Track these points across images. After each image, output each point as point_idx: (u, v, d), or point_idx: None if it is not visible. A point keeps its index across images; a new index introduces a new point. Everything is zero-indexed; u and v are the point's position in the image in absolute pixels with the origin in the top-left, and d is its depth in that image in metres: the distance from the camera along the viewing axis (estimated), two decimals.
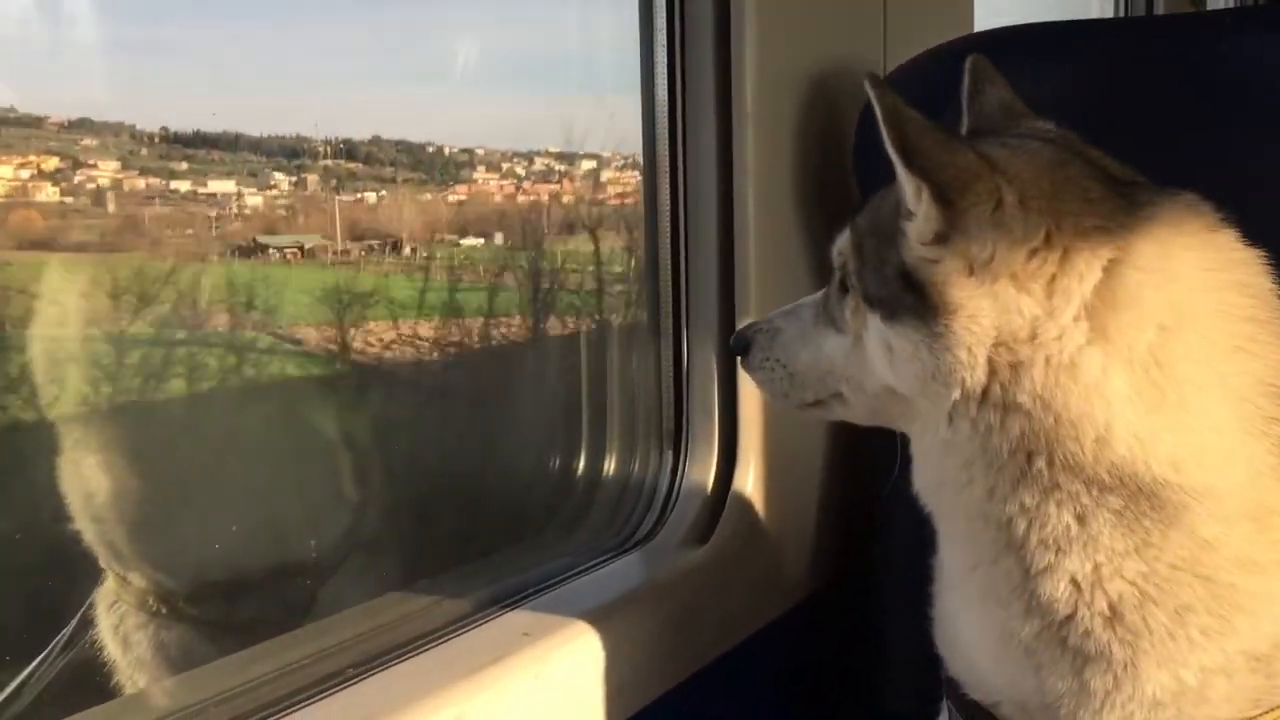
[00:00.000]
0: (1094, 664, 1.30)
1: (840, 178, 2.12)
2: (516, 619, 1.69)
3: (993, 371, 1.28)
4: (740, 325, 2.08)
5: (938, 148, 1.29)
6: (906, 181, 1.29)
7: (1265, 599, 1.27)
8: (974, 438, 1.30)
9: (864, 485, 2.16)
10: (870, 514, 2.14)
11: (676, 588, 1.95)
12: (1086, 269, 1.26)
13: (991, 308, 1.27)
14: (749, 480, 2.10)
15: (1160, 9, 5.21)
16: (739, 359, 1.69)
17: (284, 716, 1.38)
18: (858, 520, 2.19)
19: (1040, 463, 1.27)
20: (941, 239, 1.28)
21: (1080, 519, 1.27)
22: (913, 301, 1.31)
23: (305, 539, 1.93)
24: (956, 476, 1.34)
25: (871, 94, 1.29)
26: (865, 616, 2.14)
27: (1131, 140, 1.74)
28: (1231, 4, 6.27)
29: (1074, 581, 1.29)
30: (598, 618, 1.72)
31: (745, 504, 2.10)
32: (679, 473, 2.13)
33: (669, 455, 2.14)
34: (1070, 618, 1.30)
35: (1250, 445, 1.27)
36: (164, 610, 1.81)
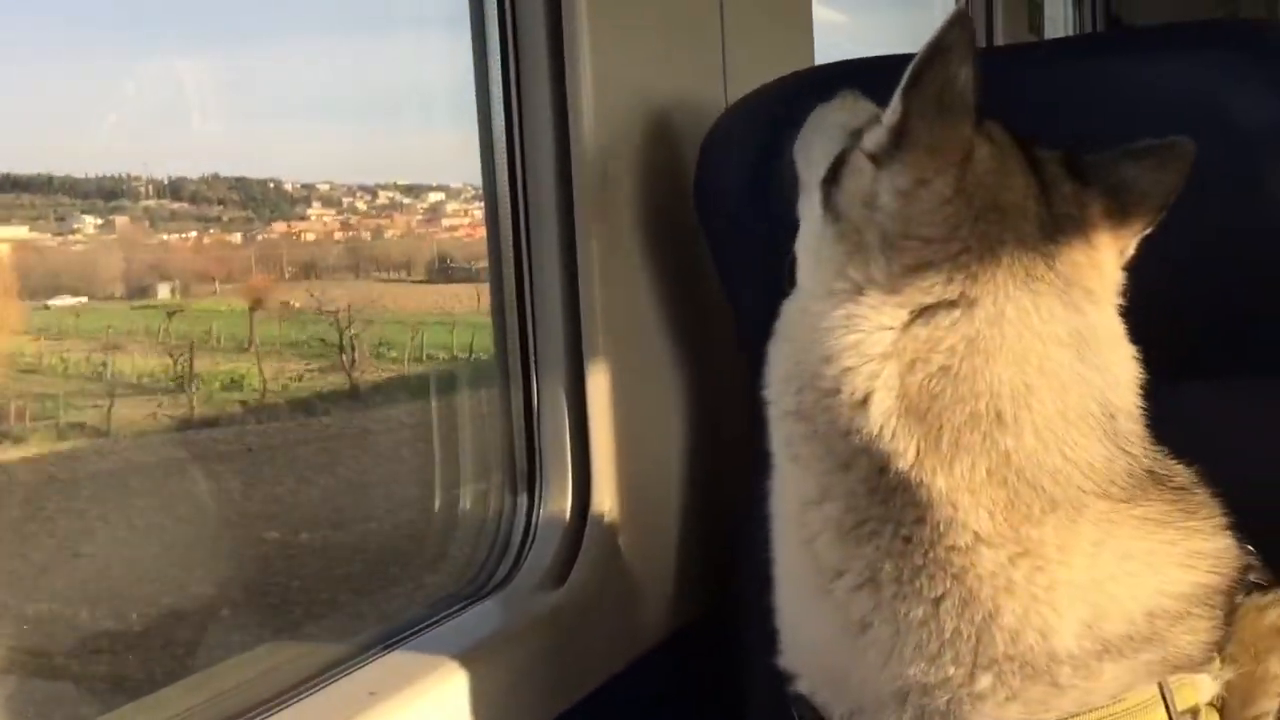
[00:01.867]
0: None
1: (682, 213, 2.11)
2: (362, 678, 1.62)
3: None
4: (589, 366, 2.06)
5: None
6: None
7: (1060, 612, 1.30)
8: None
9: (721, 519, 2.15)
10: (730, 547, 2.13)
11: (535, 632, 1.90)
12: None
13: None
14: (605, 518, 2.06)
15: (1000, 39, 5.40)
16: None
17: None
18: (717, 554, 2.18)
19: None
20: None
21: None
22: None
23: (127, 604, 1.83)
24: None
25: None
26: (728, 650, 2.13)
27: None
28: (1068, 32, 6.57)
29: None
30: (452, 671, 1.67)
31: (602, 542, 2.06)
32: (534, 514, 2.08)
33: (523, 497, 2.10)
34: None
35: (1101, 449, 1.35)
36: None
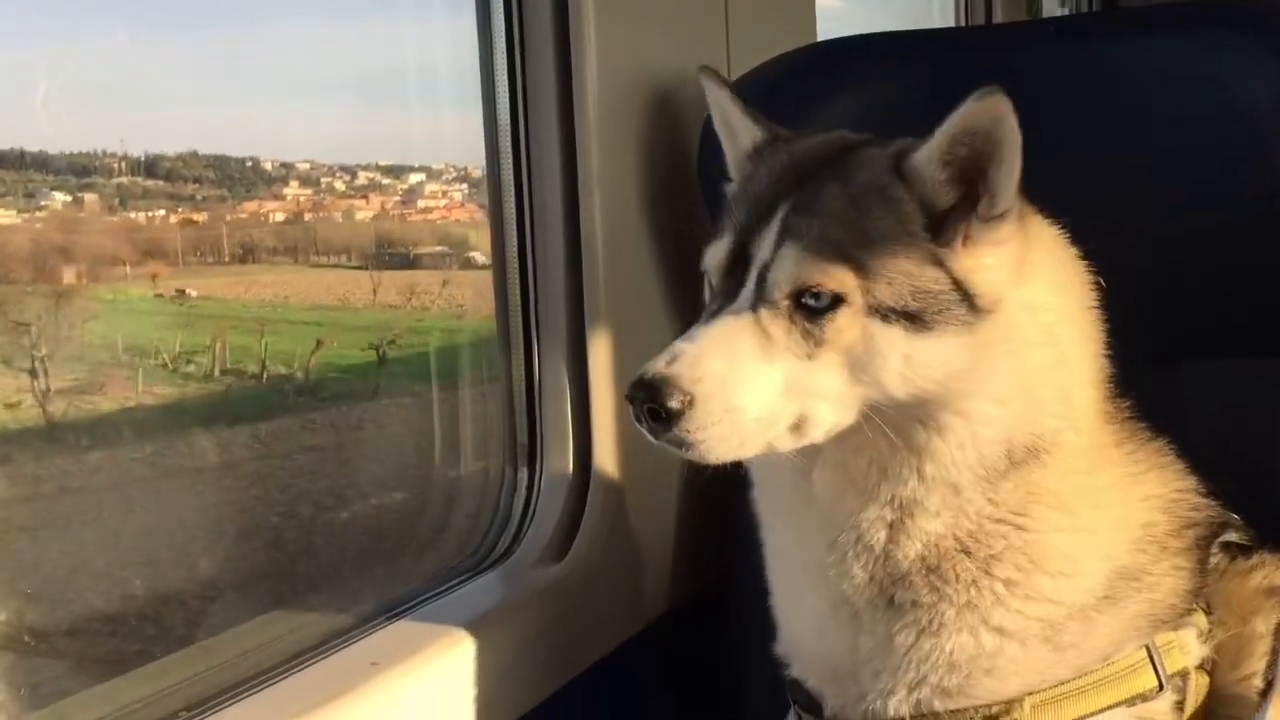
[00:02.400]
0: (904, 617, 1.38)
1: (684, 185, 2.11)
2: (364, 648, 1.63)
3: None
4: (591, 338, 2.05)
5: None
6: (1010, 191, 1.33)
7: (1074, 558, 1.36)
8: (961, 436, 1.34)
9: (721, 496, 2.15)
10: (729, 524, 2.14)
11: (535, 606, 1.91)
12: (1037, 253, 1.40)
13: (1013, 302, 1.35)
14: (605, 496, 2.07)
15: (999, 17, 5.38)
16: (665, 424, 1.31)
17: None
18: (716, 531, 2.19)
19: (998, 449, 1.35)
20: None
21: (970, 487, 1.36)
22: (962, 310, 1.32)
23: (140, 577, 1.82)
24: (894, 472, 1.37)
25: (1007, 120, 1.29)
26: (726, 627, 2.14)
27: None
28: (1066, 10, 6.53)
29: (924, 543, 1.36)
30: (453, 642, 1.68)
31: (602, 518, 2.07)
32: (534, 490, 2.09)
33: (524, 472, 2.10)
34: (905, 575, 1.37)
35: (1096, 396, 1.41)
36: None
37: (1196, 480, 1.47)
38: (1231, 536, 1.47)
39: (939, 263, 1.33)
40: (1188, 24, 1.93)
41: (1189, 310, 1.82)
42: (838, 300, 1.31)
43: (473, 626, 1.72)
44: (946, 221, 1.34)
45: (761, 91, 2.11)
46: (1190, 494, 1.45)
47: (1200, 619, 1.42)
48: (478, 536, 2.06)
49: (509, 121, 2.06)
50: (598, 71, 2.02)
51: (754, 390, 1.31)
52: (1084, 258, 1.46)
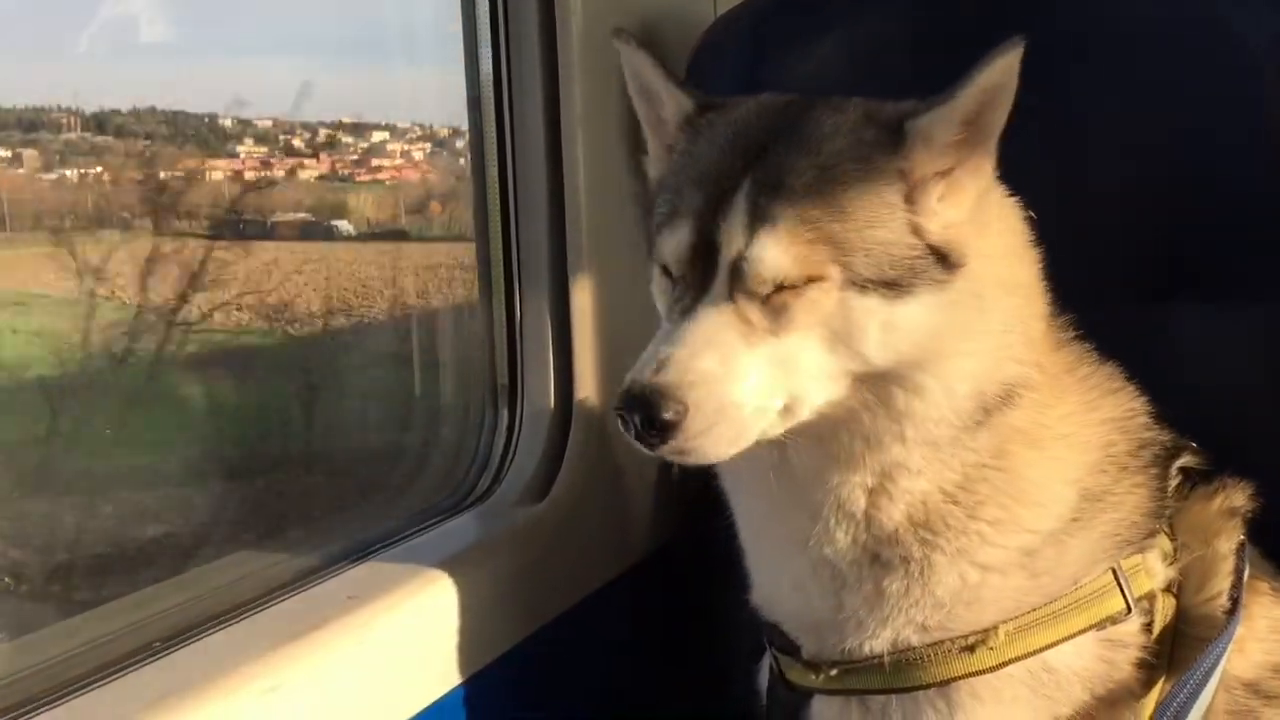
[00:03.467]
0: (894, 572, 1.38)
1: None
2: (341, 583, 1.62)
3: None
4: (573, 279, 2.03)
5: None
6: (993, 144, 1.32)
7: (1045, 486, 1.38)
8: (940, 392, 1.33)
9: None
10: (711, 469, 2.13)
11: (513, 546, 1.90)
12: (990, 202, 1.38)
13: (975, 255, 1.33)
14: (586, 437, 2.06)
15: None
16: (662, 436, 1.26)
17: (80, 695, 1.28)
18: (700, 473, 2.17)
19: (973, 402, 1.35)
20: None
21: (950, 442, 1.36)
22: (938, 272, 1.31)
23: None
24: (878, 437, 1.35)
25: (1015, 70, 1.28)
26: (708, 569, 2.13)
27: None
28: None
29: (909, 503, 1.37)
30: (429, 579, 1.67)
31: (583, 462, 2.06)
32: (514, 430, 2.08)
33: (504, 413, 2.09)
34: (893, 534, 1.38)
35: (1044, 328, 1.42)
36: None
37: (1154, 409, 1.48)
38: (1188, 460, 1.48)
39: (916, 229, 1.31)
40: None
41: (1178, 250, 1.81)
42: (812, 278, 1.28)
43: (451, 563, 1.71)
44: (926, 182, 1.32)
45: (746, 28, 2.09)
46: (1143, 414, 1.47)
47: (1164, 542, 1.44)
48: (457, 476, 2.05)
49: (491, 54, 2.03)
50: (582, 7, 1.99)
51: (745, 383, 1.27)
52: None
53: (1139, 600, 1.39)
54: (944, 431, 1.35)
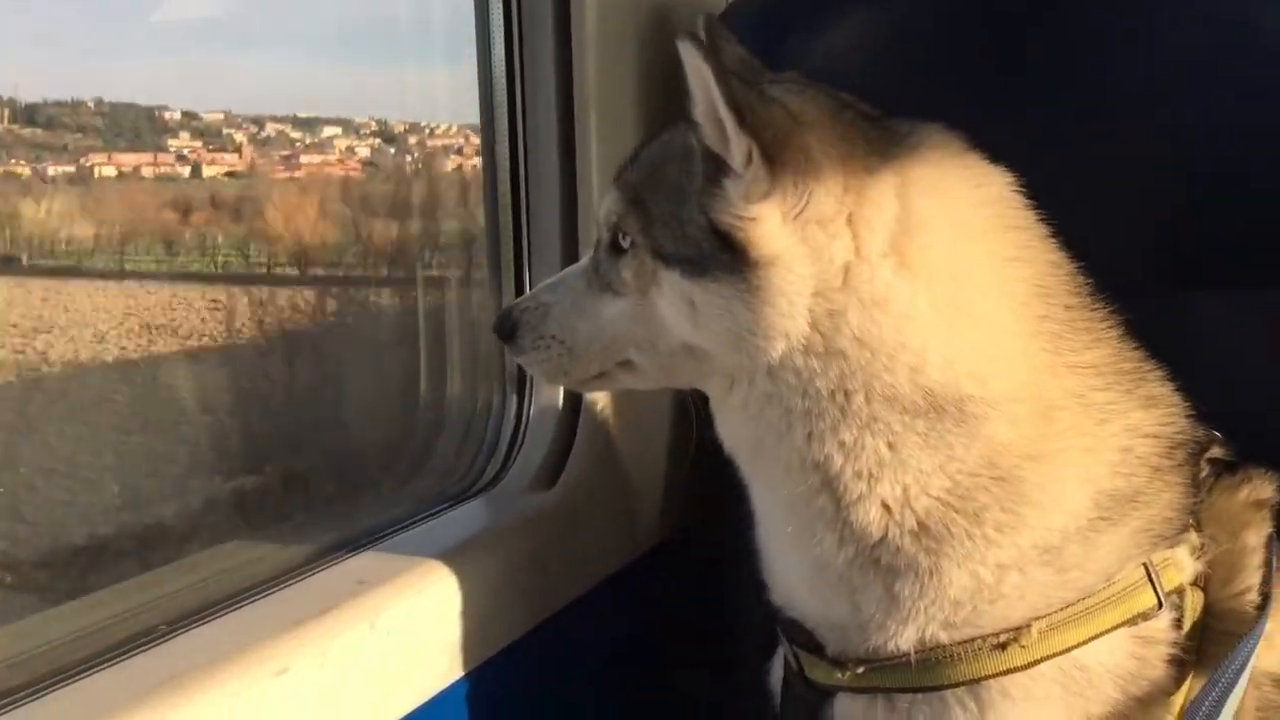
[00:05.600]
0: (903, 577, 1.36)
1: (683, 112, 2.06)
2: (351, 567, 1.60)
3: (812, 321, 1.31)
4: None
5: (760, 106, 1.31)
6: (737, 142, 1.29)
7: (1048, 489, 1.35)
8: (796, 387, 1.33)
9: (714, 428, 2.13)
10: (721, 455, 2.11)
11: (522, 533, 1.88)
12: (883, 202, 1.33)
13: (807, 257, 1.30)
14: (595, 424, 2.04)
15: None
16: (505, 346, 1.57)
17: (88, 676, 1.26)
18: (708, 463, 2.16)
19: (859, 400, 1.32)
20: (764, 195, 1.30)
21: (891, 446, 1.33)
22: (727, 258, 1.32)
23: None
24: (775, 427, 1.37)
25: (698, 56, 1.27)
26: (718, 562, 2.12)
27: (959, 69, 1.74)
28: None
29: (885, 505, 1.35)
30: (437, 565, 1.65)
31: (592, 449, 2.04)
32: (523, 417, 2.06)
33: (512, 399, 2.07)
34: (882, 539, 1.36)
35: (1030, 346, 1.37)
36: None
37: (1185, 403, 1.45)
38: (1216, 453, 1.46)
39: (704, 211, 1.34)
40: None
41: (1199, 240, 1.79)
42: (634, 243, 1.41)
43: (458, 551, 1.69)
44: (719, 174, 1.33)
45: (759, 12, 2.07)
46: (1178, 418, 1.44)
47: (1192, 536, 1.41)
48: (464, 463, 2.03)
49: (503, 46, 2.02)
50: None
51: (569, 321, 1.49)
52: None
53: (1169, 595, 1.36)
54: (848, 432, 1.33)
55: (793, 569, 1.48)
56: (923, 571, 1.35)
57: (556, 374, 1.54)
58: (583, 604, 1.96)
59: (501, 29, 2.00)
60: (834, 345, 1.31)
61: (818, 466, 1.36)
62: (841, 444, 1.34)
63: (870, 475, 1.35)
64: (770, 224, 1.31)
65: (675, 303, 1.37)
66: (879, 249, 1.31)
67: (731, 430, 1.45)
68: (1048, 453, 1.35)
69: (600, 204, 1.49)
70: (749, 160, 1.30)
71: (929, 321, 1.31)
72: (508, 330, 1.53)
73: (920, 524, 1.35)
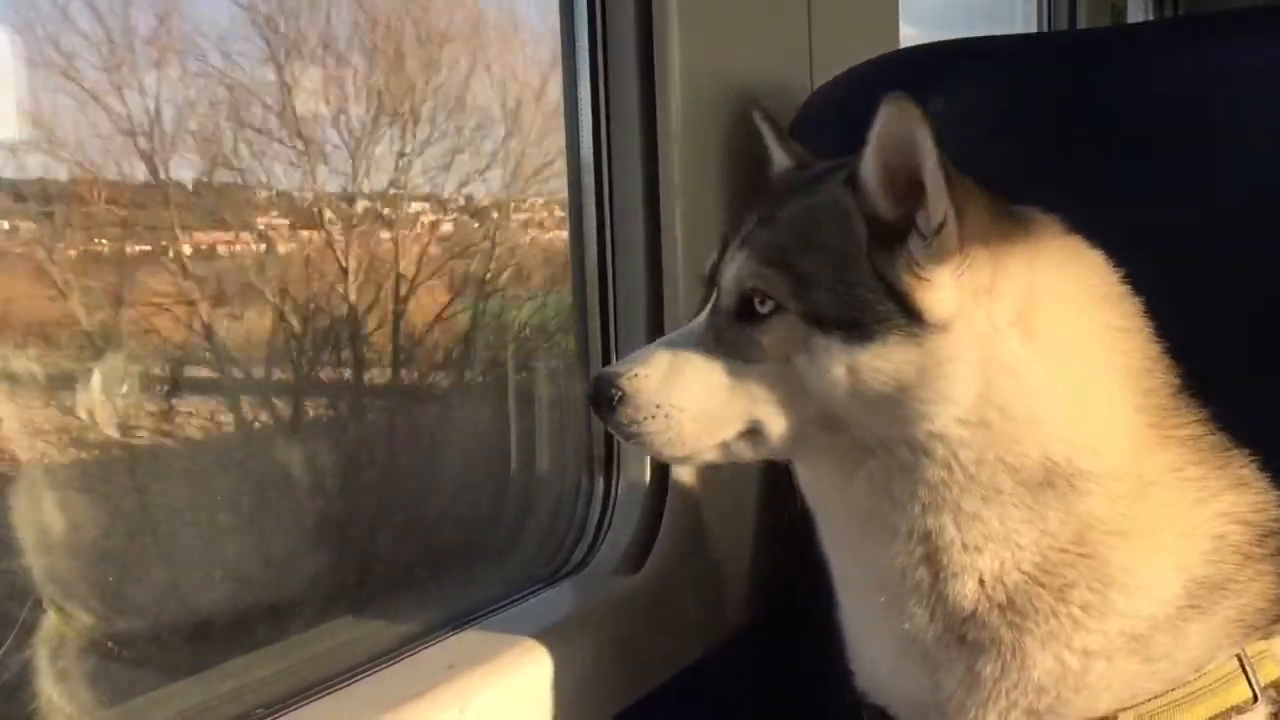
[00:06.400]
0: (985, 654, 1.34)
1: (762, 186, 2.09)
2: (440, 651, 1.62)
3: (974, 389, 1.30)
4: None
5: (953, 172, 1.31)
6: (938, 204, 1.29)
7: (1136, 571, 1.33)
8: (941, 458, 1.31)
9: (801, 509, 2.11)
10: (807, 538, 2.09)
11: (609, 617, 1.88)
12: (1017, 273, 1.33)
13: (976, 322, 1.30)
14: (682, 507, 2.04)
15: (1082, 23, 5.29)
16: (604, 416, 1.44)
17: None
18: (796, 547, 2.14)
19: (988, 470, 1.31)
20: (943, 260, 1.31)
21: (1001, 519, 1.32)
22: (902, 322, 1.30)
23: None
24: (897, 498, 1.35)
25: (917, 117, 1.27)
26: (805, 644, 2.09)
27: (1048, 156, 1.74)
28: (1149, 16, 6.40)
29: (980, 580, 1.34)
30: (526, 649, 1.66)
31: (679, 531, 2.04)
32: (610, 500, 2.07)
33: (600, 482, 2.08)
34: (971, 614, 1.35)
35: (1136, 420, 1.36)
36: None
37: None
38: None
39: (878, 274, 1.31)
40: None
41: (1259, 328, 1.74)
42: (779, 307, 1.35)
43: (547, 634, 1.70)
44: (898, 236, 1.32)
45: (842, 99, 2.09)
46: (1270, 504, 1.41)
47: None
48: (552, 546, 2.05)
49: (591, 134, 2.06)
50: (681, 79, 2.01)
51: (691, 390, 1.39)
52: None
53: (1266, 688, 1.32)
54: (970, 501, 1.32)
55: (877, 646, 1.47)
56: (1005, 648, 1.33)
57: (668, 446, 1.41)
58: (670, 688, 1.95)
59: (589, 119, 2.04)
60: (983, 415, 1.30)
61: (926, 538, 1.34)
62: (957, 516, 1.33)
63: (976, 548, 1.33)
64: (945, 289, 1.30)
65: (829, 368, 1.32)
66: (1007, 318, 1.31)
67: (843, 501, 1.41)
68: (1137, 531, 1.33)
69: (725, 269, 1.42)
70: (942, 224, 1.30)
71: (1054, 392, 1.31)
72: (610, 400, 1.41)
73: (1008, 598, 1.33)
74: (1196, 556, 1.35)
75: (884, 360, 1.30)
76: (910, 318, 1.30)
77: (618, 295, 2.07)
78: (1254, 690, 1.32)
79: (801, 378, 1.34)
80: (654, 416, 1.39)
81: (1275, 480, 1.42)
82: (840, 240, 1.35)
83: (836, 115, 2.08)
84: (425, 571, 1.94)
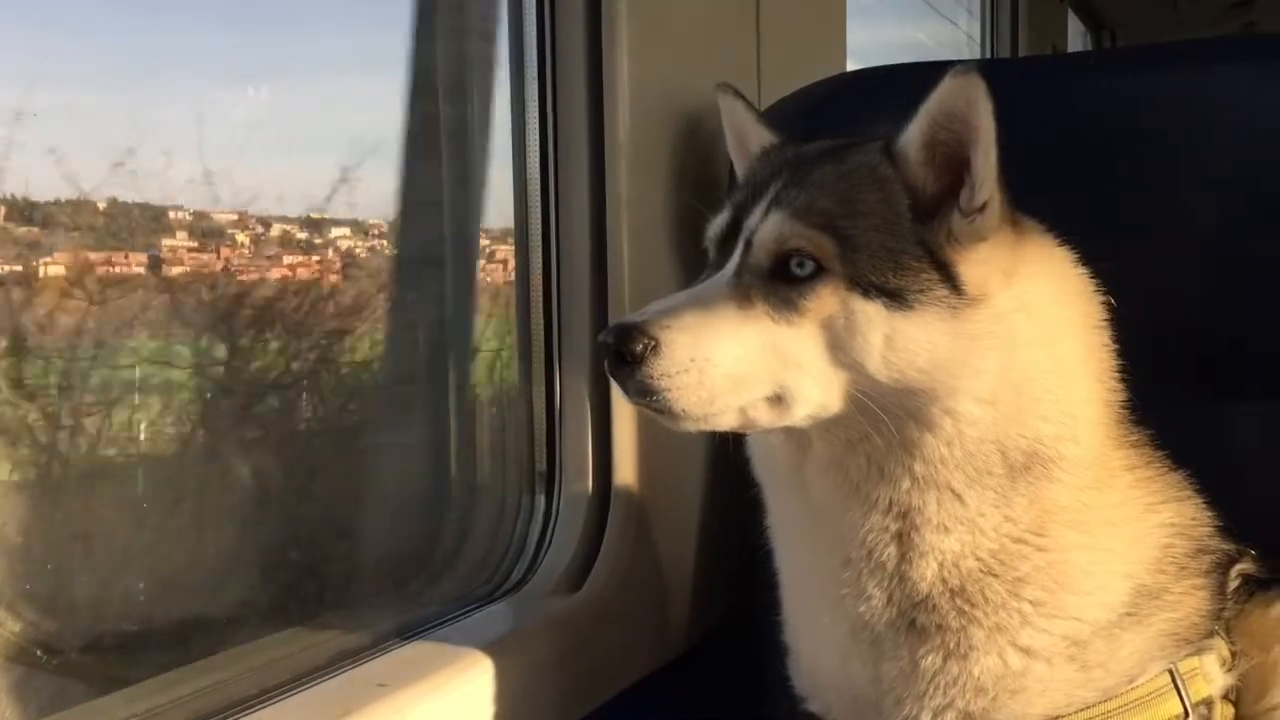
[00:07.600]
0: (930, 641, 1.35)
1: (712, 211, 2.09)
2: (372, 669, 1.58)
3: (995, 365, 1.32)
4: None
5: None
6: (988, 183, 1.32)
7: (1093, 574, 1.35)
8: (950, 434, 1.32)
9: (745, 528, 2.10)
10: (752, 554, 2.08)
11: (548, 636, 1.85)
12: (1032, 258, 1.39)
13: (1001, 302, 1.32)
14: (624, 523, 2.02)
15: (1024, 51, 5.40)
16: (630, 369, 1.29)
17: None
18: (740, 565, 2.13)
19: (988, 448, 1.32)
20: (984, 238, 1.34)
21: (979, 500, 1.33)
22: (942, 294, 1.31)
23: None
24: (890, 472, 1.34)
25: (982, 99, 1.29)
26: (751, 662, 2.07)
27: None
28: (1089, 48, 6.57)
29: (940, 562, 1.34)
30: (462, 668, 1.63)
31: (621, 550, 2.02)
32: (551, 518, 2.04)
33: (541, 499, 2.06)
34: (925, 598, 1.35)
35: (1105, 414, 1.39)
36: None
37: (1211, 513, 1.45)
38: (1247, 567, 1.46)
39: (922, 242, 1.33)
40: (1245, 56, 1.90)
41: (1243, 349, 1.77)
42: (820, 270, 1.32)
43: (484, 653, 1.67)
44: (932, 209, 1.35)
45: (791, 118, 2.09)
46: (1206, 524, 1.44)
47: (1222, 647, 1.40)
48: (492, 564, 2.01)
49: (538, 146, 2.05)
50: (629, 101, 2.01)
51: (726, 345, 1.31)
52: (1109, 280, 1.45)
53: (1196, 705, 1.34)
54: (958, 478, 1.32)
55: (824, 637, 1.46)
56: (950, 636, 1.34)
57: (696, 405, 1.30)
58: (612, 707, 1.92)
59: (537, 133, 2.03)
60: (997, 393, 1.31)
61: (905, 514, 1.34)
62: (941, 494, 1.33)
63: (945, 528, 1.34)
64: (981, 266, 1.33)
65: (868, 335, 1.30)
66: (1017, 303, 1.34)
67: (830, 474, 1.37)
68: (1095, 524, 1.35)
69: (761, 228, 1.37)
70: (986, 203, 1.33)
71: (1050, 376, 1.34)
72: (637, 352, 1.28)
73: (960, 585, 1.34)
74: (1142, 565, 1.37)
75: (922, 330, 1.30)
76: (950, 289, 1.31)
77: (561, 310, 2.05)
78: (1185, 706, 1.33)
79: (837, 342, 1.31)
80: (687, 370, 1.29)
81: (1228, 502, 1.45)
82: (884, 208, 1.35)
83: (784, 133, 2.09)
84: (360, 588, 1.90)
